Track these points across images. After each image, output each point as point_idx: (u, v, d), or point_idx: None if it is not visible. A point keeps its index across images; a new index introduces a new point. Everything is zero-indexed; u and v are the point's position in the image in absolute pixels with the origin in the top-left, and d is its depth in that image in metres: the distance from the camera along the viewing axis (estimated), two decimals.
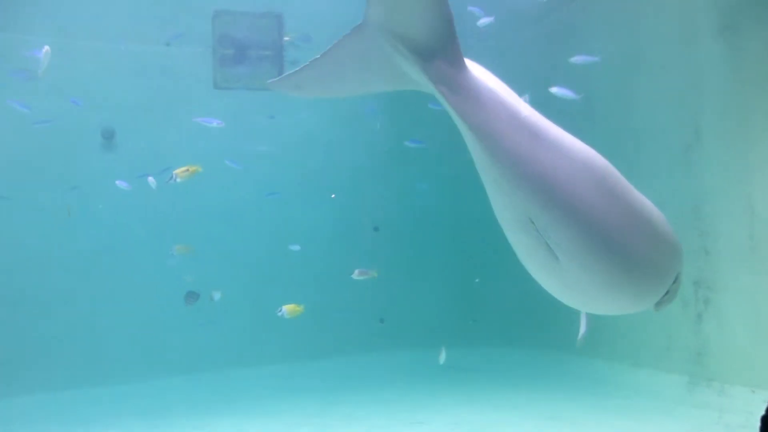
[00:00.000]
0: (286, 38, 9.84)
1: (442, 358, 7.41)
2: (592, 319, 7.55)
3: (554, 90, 7.19)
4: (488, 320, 9.76)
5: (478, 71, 3.73)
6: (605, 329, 7.03)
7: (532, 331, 9.29)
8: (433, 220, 10.37)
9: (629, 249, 3.66)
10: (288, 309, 7.69)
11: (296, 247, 9.06)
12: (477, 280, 9.65)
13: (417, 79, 3.80)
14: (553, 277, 3.82)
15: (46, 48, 7.29)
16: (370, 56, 3.90)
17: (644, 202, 3.92)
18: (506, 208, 3.65)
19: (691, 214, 6.66)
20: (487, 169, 3.62)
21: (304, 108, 9.78)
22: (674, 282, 4.01)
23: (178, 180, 7.24)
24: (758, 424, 5.06)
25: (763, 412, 5.45)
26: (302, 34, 9.42)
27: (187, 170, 7.28)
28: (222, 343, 9.17)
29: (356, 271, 8.07)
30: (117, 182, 8.21)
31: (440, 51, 3.64)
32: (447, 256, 10.33)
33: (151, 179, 7.93)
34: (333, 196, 10.18)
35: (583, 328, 6.12)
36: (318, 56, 4.01)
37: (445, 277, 10.26)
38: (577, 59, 7.52)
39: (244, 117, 9.51)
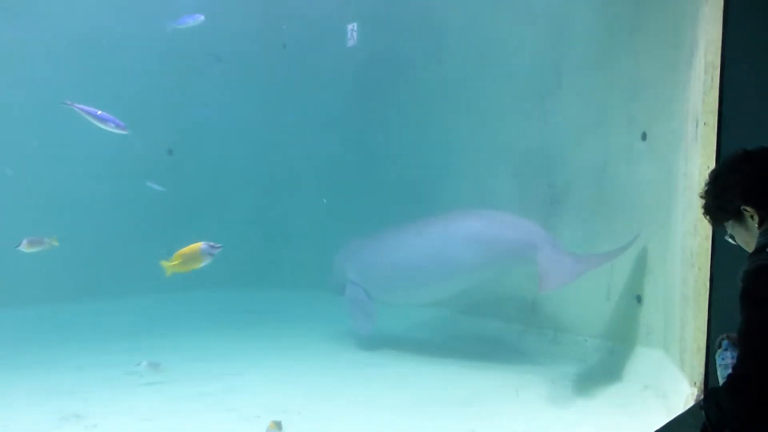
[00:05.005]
0: None
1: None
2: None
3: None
4: (290, 262, 8.95)
5: None
6: None
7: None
8: (242, 149, 9.05)
9: None
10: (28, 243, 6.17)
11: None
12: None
13: None
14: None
15: None
16: None
17: None
18: None
19: (541, 164, 6.51)
20: None
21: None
22: None
23: None
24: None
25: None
26: None
27: None
28: None
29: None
30: None
31: None
32: (254, 190, 9.19)
33: None
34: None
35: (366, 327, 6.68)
36: None
37: (249, 213, 9.14)
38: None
39: None
